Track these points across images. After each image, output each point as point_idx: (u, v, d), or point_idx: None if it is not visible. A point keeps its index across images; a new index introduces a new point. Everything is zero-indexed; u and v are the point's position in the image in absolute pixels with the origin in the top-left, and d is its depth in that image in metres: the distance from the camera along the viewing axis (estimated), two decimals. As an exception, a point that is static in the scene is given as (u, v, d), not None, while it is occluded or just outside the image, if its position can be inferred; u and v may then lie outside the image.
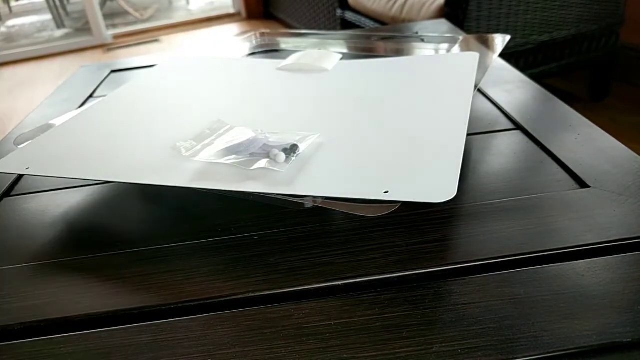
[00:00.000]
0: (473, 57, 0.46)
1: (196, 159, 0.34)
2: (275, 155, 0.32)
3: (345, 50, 0.63)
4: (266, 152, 0.33)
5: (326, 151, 0.34)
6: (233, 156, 0.34)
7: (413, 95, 0.41)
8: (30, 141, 0.40)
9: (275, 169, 0.32)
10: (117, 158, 0.36)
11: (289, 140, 0.35)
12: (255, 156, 0.33)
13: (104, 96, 0.62)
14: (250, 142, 0.35)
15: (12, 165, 0.37)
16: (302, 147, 0.34)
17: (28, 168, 0.36)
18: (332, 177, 0.31)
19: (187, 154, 0.35)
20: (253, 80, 0.49)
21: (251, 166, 0.32)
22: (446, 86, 0.41)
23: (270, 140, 0.35)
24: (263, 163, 0.32)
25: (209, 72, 0.52)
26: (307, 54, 0.53)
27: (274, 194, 0.30)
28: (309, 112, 0.40)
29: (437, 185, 0.28)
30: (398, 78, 0.44)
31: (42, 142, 0.39)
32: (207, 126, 0.39)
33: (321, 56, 0.52)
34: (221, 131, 0.38)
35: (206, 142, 0.36)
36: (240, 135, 0.36)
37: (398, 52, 0.58)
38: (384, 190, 0.28)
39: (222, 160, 0.33)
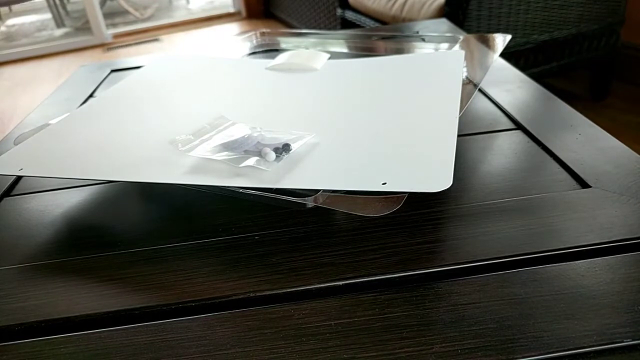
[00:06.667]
0: (459, 54, 0.47)
1: (191, 154, 0.34)
2: (266, 154, 0.32)
3: (345, 50, 0.63)
4: (259, 150, 0.33)
5: (320, 149, 0.34)
6: (225, 153, 0.34)
7: (403, 92, 0.41)
8: (23, 142, 0.40)
9: (262, 167, 0.32)
10: (109, 156, 0.36)
11: (283, 139, 0.35)
12: (248, 153, 0.33)
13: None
14: (244, 140, 0.35)
15: (5, 166, 0.37)
16: (295, 147, 0.34)
17: (21, 169, 0.36)
18: (328, 171, 0.31)
19: (183, 148, 0.35)
20: (243, 80, 0.49)
21: (240, 163, 0.32)
22: (434, 82, 0.42)
23: (265, 137, 0.35)
24: (252, 161, 0.32)
25: (199, 72, 0.52)
26: (295, 54, 0.53)
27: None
28: (300, 112, 0.40)
29: (434, 176, 0.29)
30: (387, 76, 0.45)
31: (35, 142, 0.39)
32: (208, 121, 0.39)
33: (310, 56, 0.52)
34: (221, 127, 0.38)
35: (204, 137, 0.36)
36: (237, 131, 0.36)
37: (398, 52, 0.58)
38: (382, 182, 0.28)
39: (215, 157, 0.33)
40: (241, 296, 0.28)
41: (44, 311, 0.28)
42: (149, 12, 4.09)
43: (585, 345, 0.23)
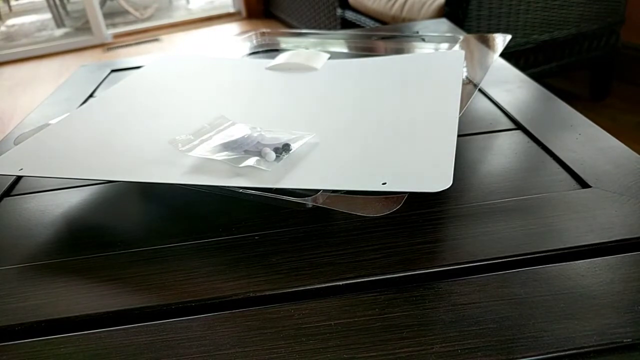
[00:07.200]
0: (459, 54, 0.47)
1: (191, 154, 0.34)
2: (266, 154, 0.32)
3: (345, 50, 0.63)
4: (259, 150, 0.33)
5: (321, 149, 0.34)
6: (226, 152, 0.34)
7: (403, 92, 0.41)
8: (23, 142, 0.40)
9: (262, 167, 0.32)
10: (109, 156, 0.36)
11: (283, 139, 0.35)
12: (248, 153, 0.33)
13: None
14: (244, 139, 0.35)
15: (5, 166, 0.37)
16: (295, 147, 0.34)
17: (21, 169, 0.36)
18: (328, 172, 0.31)
19: (183, 148, 0.35)
20: (243, 80, 0.49)
21: (240, 163, 0.32)
22: (434, 82, 0.42)
23: (265, 137, 0.35)
24: (252, 161, 0.32)
25: (199, 72, 0.52)
26: (295, 54, 0.53)
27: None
28: (300, 112, 0.41)
29: (434, 176, 0.29)
30: (387, 76, 0.45)
31: (35, 142, 0.39)
32: (208, 121, 0.39)
33: (309, 56, 0.52)
34: (221, 127, 0.38)
35: (204, 137, 0.36)
36: (237, 131, 0.36)
37: (398, 52, 0.58)
38: (382, 182, 0.28)
39: (215, 157, 0.33)
40: (241, 296, 0.28)
41: (44, 311, 0.28)
42: (149, 12, 4.09)
43: (585, 345, 0.23)
